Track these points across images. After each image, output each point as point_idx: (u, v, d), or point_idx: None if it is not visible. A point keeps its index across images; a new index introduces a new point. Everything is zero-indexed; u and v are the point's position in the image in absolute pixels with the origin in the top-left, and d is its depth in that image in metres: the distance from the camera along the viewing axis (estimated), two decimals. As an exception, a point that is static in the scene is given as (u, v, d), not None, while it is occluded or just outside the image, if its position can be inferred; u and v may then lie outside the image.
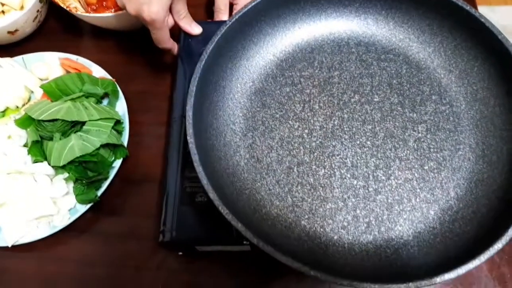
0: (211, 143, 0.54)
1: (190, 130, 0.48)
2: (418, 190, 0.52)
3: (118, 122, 0.67)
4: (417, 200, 0.52)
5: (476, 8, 0.83)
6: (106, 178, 0.64)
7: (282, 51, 0.61)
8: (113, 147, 0.65)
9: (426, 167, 0.53)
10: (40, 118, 0.62)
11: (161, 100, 0.73)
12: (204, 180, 0.46)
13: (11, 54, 0.74)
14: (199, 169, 0.46)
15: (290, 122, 0.57)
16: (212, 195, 0.45)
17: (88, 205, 0.63)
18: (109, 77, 0.72)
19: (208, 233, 0.55)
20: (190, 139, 0.48)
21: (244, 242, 0.54)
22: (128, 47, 0.78)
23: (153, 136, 0.71)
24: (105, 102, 0.71)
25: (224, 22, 0.55)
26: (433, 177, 0.53)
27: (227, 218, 0.44)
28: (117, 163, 0.66)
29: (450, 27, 0.57)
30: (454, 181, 0.52)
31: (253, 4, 0.55)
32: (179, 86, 0.64)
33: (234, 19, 0.54)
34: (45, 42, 0.79)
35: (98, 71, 0.72)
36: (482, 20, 0.53)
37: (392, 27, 0.60)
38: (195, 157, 0.47)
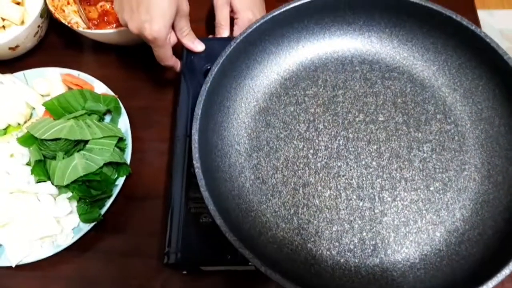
0: (216, 164, 0.53)
1: (196, 155, 0.48)
2: (424, 211, 0.52)
3: (120, 139, 0.67)
4: (423, 221, 0.52)
5: (475, 13, 0.83)
6: (109, 196, 0.64)
7: (286, 70, 0.61)
8: (116, 165, 0.65)
9: (431, 188, 0.53)
10: (43, 137, 0.61)
11: (163, 116, 0.73)
12: (211, 206, 0.46)
13: (12, 70, 0.74)
14: (205, 194, 0.46)
15: (295, 142, 0.57)
16: (219, 221, 0.45)
17: (92, 224, 0.63)
18: (111, 93, 0.71)
19: (213, 254, 0.55)
20: (196, 164, 0.48)
21: (249, 263, 0.54)
22: (130, 62, 0.78)
23: (156, 152, 0.71)
24: (107, 118, 0.71)
25: (228, 42, 0.55)
26: (438, 198, 0.53)
27: (235, 245, 0.44)
28: (120, 181, 0.65)
29: (455, 46, 0.57)
30: (459, 202, 0.52)
31: (257, 24, 0.55)
32: (182, 103, 0.63)
33: (238, 39, 0.54)
34: (46, 57, 0.79)
35: (100, 87, 0.72)
36: (488, 40, 0.53)
37: (396, 45, 0.60)
38: (201, 182, 0.47)
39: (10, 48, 0.73)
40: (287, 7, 0.56)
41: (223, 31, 0.70)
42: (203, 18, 0.81)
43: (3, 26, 0.76)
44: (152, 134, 0.72)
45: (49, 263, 0.63)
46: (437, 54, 0.59)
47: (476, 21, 0.79)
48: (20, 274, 0.63)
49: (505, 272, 0.42)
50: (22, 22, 0.77)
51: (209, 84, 0.52)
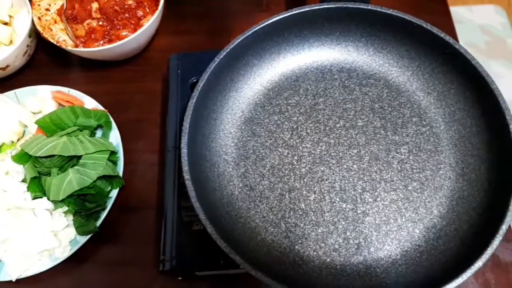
0: (205, 175, 0.56)
1: (185, 167, 0.51)
2: (403, 210, 0.55)
3: (112, 153, 0.69)
4: (403, 219, 0.55)
5: (447, 6, 0.86)
6: (104, 209, 0.66)
7: (268, 81, 0.64)
8: (109, 178, 0.67)
9: (410, 188, 0.56)
10: (37, 155, 0.63)
11: (153, 128, 0.75)
12: (202, 215, 0.48)
13: (3, 89, 0.76)
14: (196, 204, 0.49)
15: (279, 149, 0.59)
16: (210, 229, 0.48)
17: (88, 236, 0.65)
18: (101, 107, 0.73)
19: (206, 259, 0.58)
20: (186, 176, 0.50)
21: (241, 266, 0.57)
22: (118, 77, 0.80)
23: (147, 164, 0.73)
24: (99, 133, 0.73)
25: (213, 56, 0.58)
26: (416, 197, 0.56)
27: (225, 251, 0.47)
28: (114, 193, 0.68)
29: (427, 52, 0.60)
30: (436, 200, 0.56)
31: (239, 39, 0.58)
32: (170, 116, 0.66)
33: (222, 55, 0.57)
34: (36, 75, 0.81)
35: (90, 102, 0.74)
36: (457, 46, 0.56)
37: (372, 53, 0.63)
38: (192, 193, 0.50)
39: (0, 69, 0.75)
40: (267, 22, 0.58)
41: None
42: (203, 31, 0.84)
43: (-8, 47, 0.78)
44: (143, 146, 0.74)
45: (48, 276, 0.65)
46: (411, 60, 0.62)
47: (450, 22, 0.83)
48: (21, 288, 0.65)
49: (478, 265, 0.46)
50: (11, 42, 0.79)
51: (195, 99, 0.54)
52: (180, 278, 0.63)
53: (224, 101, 0.61)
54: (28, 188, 0.64)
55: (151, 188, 0.71)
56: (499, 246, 0.63)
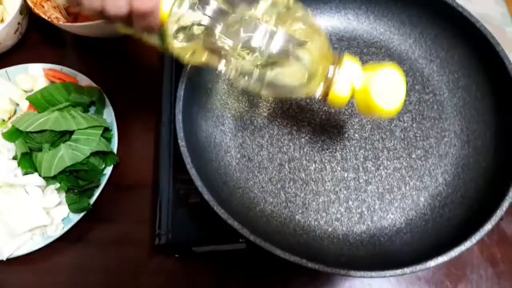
0: (201, 145, 0.54)
1: (180, 134, 0.49)
2: (408, 178, 0.54)
3: (106, 130, 0.67)
4: (407, 188, 0.53)
5: None
6: (97, 186, 0.64)
7: (266, 50, 0.62)
8: (103, 155, 0.66)
9: (413, 156, 0.55)
10: (28, 130, 0.62)
11: (148, 106, 0.73)
12: (198, 182, 0.46)
13: (-6, 68, 0.74)
14: (192, 171, 0.47)
15: (278, 119, 0.58)
16: (207, 196, 0.46)
17: (81, 214, 0.63)
18: (94, 85, 0.71)
19: (203, 233, 0.56)
20: (181, 142, 0.49)
21: (240, 240, 0.55)
22: (112, 54, 0.78)
23: (142, 141, 0.71)
24: (92, 110, 0.71)
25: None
26: (421, 164, 0.54)
27: (223, 218, 0.45)
28: (108, 170, 0.66)
29: (429, 18, 0.58)
30: (441, 168, 0.54)
31: (235, 5, 0.56)
32: (165, 90, 0.64)
33: (217, 20, 0.55)
34: (28, 54, 0.78)
35: (83, 80, 0.72)
36: (460, 9, 0.54)
37: (373, 20, 0.61)
38: (187, 160, 0.48)
39: (-10, 46, 0.73)
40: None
41: None
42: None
43: (-18, 25, 0.76)
44: (138, 124, 0.73)
45: (40, 255, 0.62)
46: (413, 27, 0.60)
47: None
48: (12, 268, 0.62)
49: (487, 227, 0.44)
50: (2, 20, 0.77)
51: (189, 65, 0.52)
52: (176, 255, 0.62)
53: (220, 70, 0.59)
54: (19, 164, 0.62)
55: (146, 165, 0.69)
56: (505, 220, 0.62)
